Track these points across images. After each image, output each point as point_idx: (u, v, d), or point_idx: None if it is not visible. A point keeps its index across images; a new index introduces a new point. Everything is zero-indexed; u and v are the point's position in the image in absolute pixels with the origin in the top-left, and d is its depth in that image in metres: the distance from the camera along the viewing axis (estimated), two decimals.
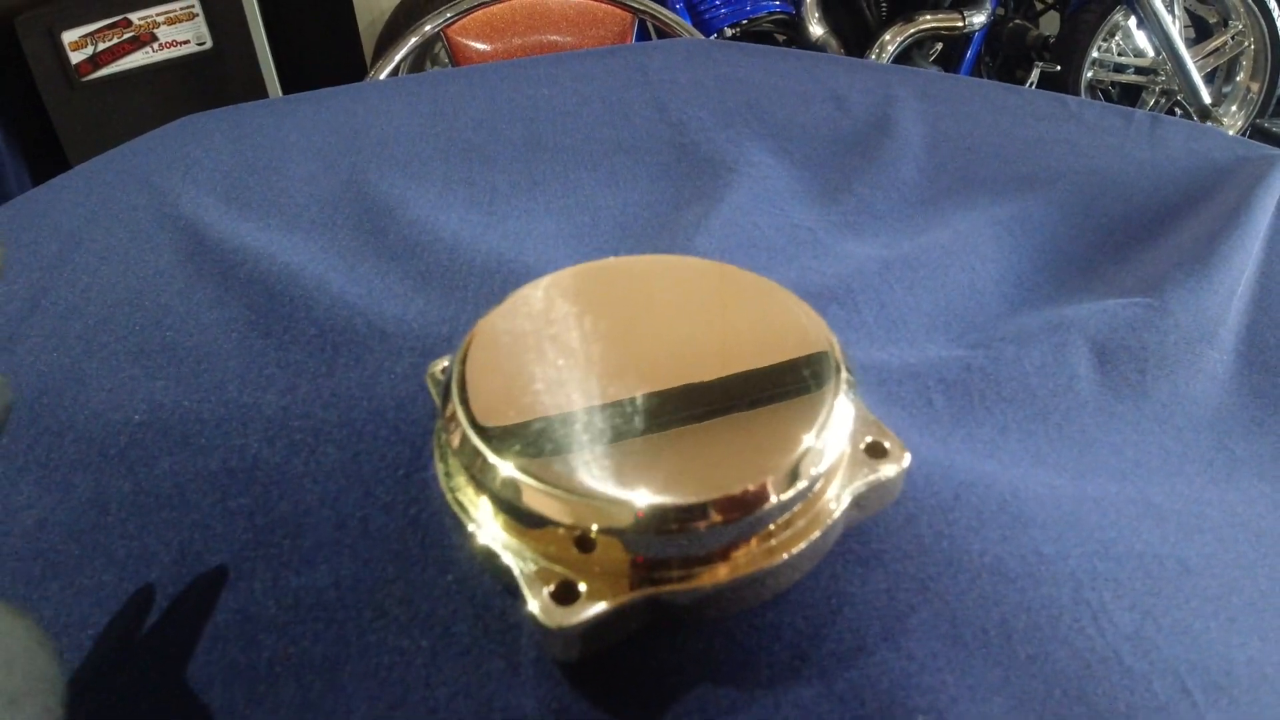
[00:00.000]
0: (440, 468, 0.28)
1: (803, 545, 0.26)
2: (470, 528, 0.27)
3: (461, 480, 0.27)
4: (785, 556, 0.25)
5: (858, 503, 0.27)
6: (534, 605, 0.24)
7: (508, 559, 0.25)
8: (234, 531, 0.32)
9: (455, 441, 0.26)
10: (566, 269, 0.32)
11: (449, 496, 0.27)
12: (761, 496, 0.24)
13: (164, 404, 0.38)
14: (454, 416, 0.27)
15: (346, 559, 0.30)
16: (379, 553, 0.30)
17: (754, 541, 0.26)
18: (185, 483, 0.34)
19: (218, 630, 0.29)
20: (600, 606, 0.24)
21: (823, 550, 0.28)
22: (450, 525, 0.30)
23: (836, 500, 0.27)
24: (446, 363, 0.32)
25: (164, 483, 0.34)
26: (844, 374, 0.28)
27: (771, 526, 0.26)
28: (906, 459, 0.28)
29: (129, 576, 0.31)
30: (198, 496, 0.34)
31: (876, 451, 0.28)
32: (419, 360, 0.38)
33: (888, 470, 0.27)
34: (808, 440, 0.26)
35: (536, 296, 0.31)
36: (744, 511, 0.24)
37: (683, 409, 0.27)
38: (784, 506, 0.25)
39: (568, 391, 0.27)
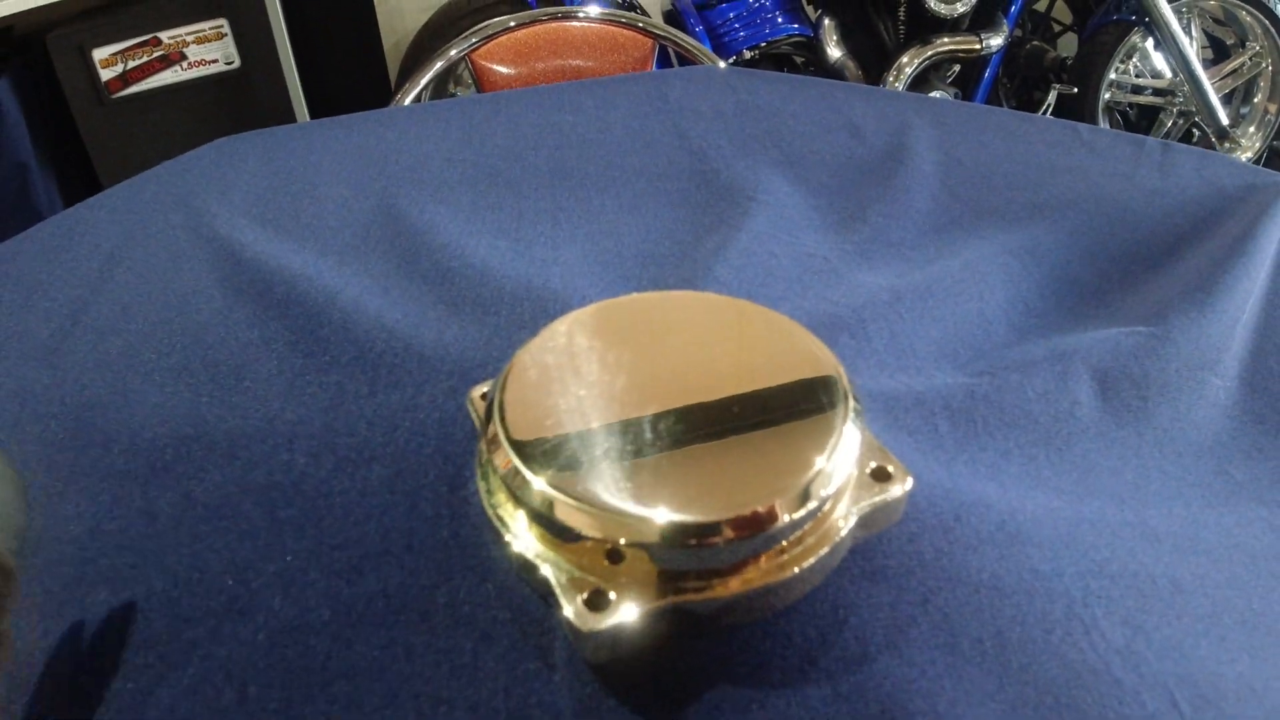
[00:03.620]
0: (482, 485, 0.31)
1: (812, 560, 0.28)
2: (510, 540, 0.29)
3: (502, 497, 0.30)
4: (795, 570, 0.28)
5: (863, 522, 0.30)
6: (569, 611, 0.27)
7: (544, 569, 0.28)
8: (284, 542, 0.34)
9: (497, 461, 0.29)
10: (593, 304, 0.35)
11: (490, 512, 0.30)
12: (774, 515, 0.27)
13: (208, 419, 0.39)
14: (496, 438, 0.29)
15: (394, 569, 0.33)
16: (424, 563, 0.33)
17: (767, 556, 0.28)
18: (233, 495, 0.35)
19: (273, 635, 0.31)
20: (629, 612, 0.27)
21: (830, 565, 0.30)
22: (491, 538, 0.32)
23: (843, 520, 0.29)
24: (486, 388, 0.35)
25: (212, 494, 0.35)
26: (851, 402, 0.30)
27: (783, 543, 0.28)
28: (909, 482, 0.30)
29: (181, 583, 0.32)
30: (247, 508, 0.35)
31: (881, 475, 0.30)
32: (456, 384, 0.40)
33: (891, 493, 0.30)
34: (818, 464, 0.28)
35: (568, 329, 0.34)
36: (758, 529, 0.27)
37: (703, 435, 0.29)
38: (795, 525, 0.28)
39: (600, 417, 0.30)
